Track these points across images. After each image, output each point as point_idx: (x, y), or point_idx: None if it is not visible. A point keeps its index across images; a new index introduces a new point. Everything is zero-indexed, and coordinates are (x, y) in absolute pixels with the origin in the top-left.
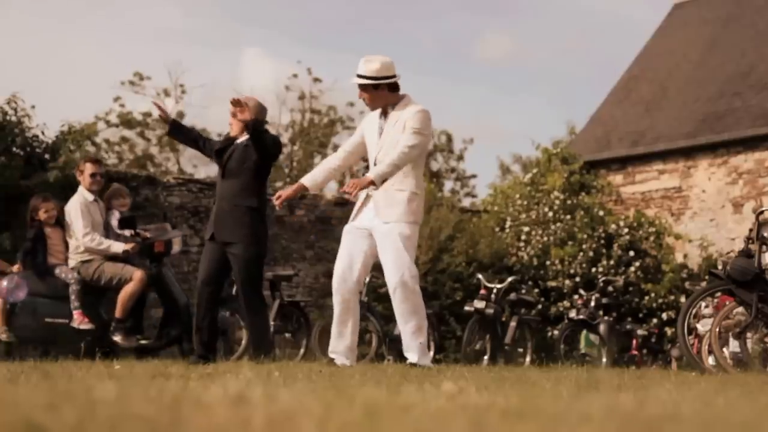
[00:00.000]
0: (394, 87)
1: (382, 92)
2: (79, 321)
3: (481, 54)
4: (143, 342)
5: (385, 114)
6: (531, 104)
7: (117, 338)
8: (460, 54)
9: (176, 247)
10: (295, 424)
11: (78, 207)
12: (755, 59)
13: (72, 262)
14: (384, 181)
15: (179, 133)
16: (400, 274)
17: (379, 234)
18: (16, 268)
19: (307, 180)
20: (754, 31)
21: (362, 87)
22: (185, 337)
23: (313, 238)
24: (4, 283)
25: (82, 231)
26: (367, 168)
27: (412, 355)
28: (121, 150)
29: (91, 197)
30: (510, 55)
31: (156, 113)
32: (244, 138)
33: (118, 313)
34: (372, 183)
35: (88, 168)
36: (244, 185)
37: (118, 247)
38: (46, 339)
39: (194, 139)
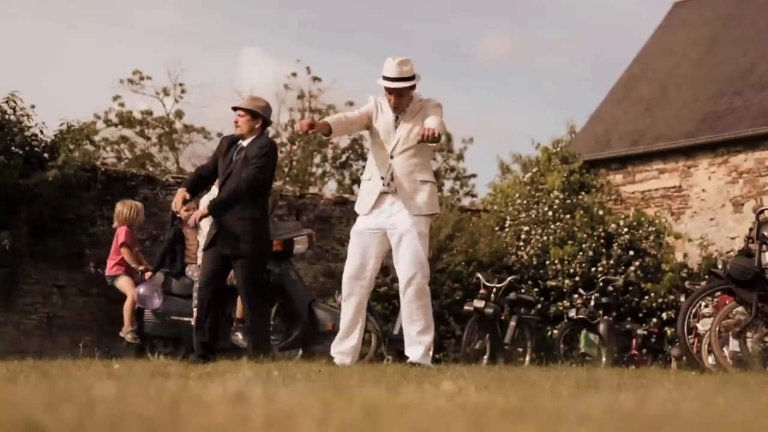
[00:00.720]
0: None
1: (413, 90)
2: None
3: (481, 54)
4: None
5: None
6: (531, 103)
7: (238, 338)
8: (460, 54)
9: (299, 247)
10: (294, 423)
11: None
12: (756, 58)
13: (200, 260)
14: (438, 135)
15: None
16: (414, 272)
17: (398, 230)
18: (148, 275)
19: (330, 121)
20: (755, 29)
21: (400, 91)
22: (306, 339)
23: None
24: (141, 290)
25: None
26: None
27: (413, 353)
28: (120, 149)
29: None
30: (510, 55)
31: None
32: (249, 140)
33: (239, 312)
34: (436, 134)
35: None
36: (247, 197)
37: None
38: (172, 336)
39: (205, 179)
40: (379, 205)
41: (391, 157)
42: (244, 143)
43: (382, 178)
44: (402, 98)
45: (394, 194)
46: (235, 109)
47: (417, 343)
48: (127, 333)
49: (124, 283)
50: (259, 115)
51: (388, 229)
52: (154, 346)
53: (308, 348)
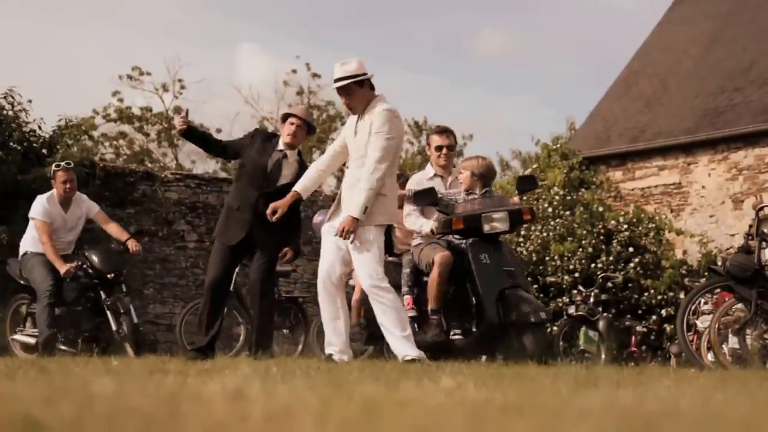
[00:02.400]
0: (372, 86)
1: (366, 90)
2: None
3: (480, 51)
4: (454, 337)
5: (361, 114)
6: (530, 100)
7: (430, 333)
8: (459, 51)
9: (496, 225)
10: (293, 419)
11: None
12: (756, 55)
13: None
14: (366, 209)
15: (191, 136)
16: (364, 279)
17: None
18: None
19: (299, 188)
20: (755, 26)
21: (345, 90)
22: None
23: (311, 234)
24: (317, 218)
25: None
26: (342, 171)
27: (400, 350)
28: (119, 145)
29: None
30: (509, 52)
31: (177, 121)
32: (292, 154)
33: (430, 303)
34: (356, 219)
35: None
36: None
37: (427, 226)
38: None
39: (204, 139)
40: (339, 210)
41: (347, 167)
42: (287, 151)
43: (339, 186)
44: (352, 97)
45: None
46: (288, 116)
47: (400, 339)
48: (353, 327)
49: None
50: (313, 130)
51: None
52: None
53: (495, 348)
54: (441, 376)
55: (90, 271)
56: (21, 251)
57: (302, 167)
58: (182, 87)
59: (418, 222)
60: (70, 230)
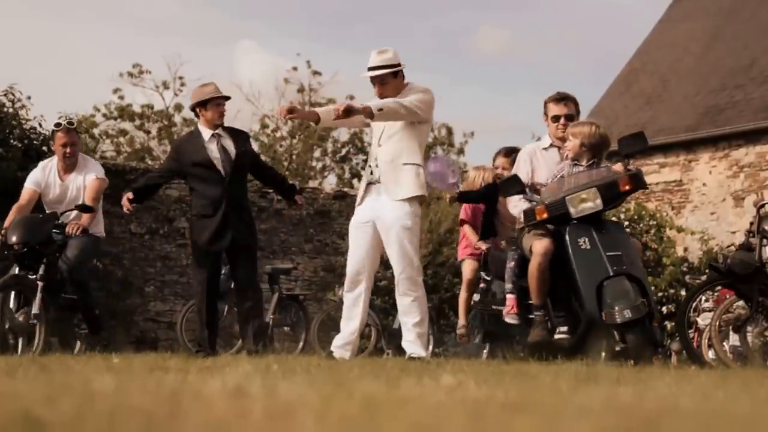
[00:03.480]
0: (403, 75)
1: (399, 81)
2: (507, 310)
3: (479, 49)
4: (560, 336)
5: None
6: (531, 97)
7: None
8: (459, 48)
9: (585, 207)
10: (294, 417)
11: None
12: (757, 52)
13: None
14: (380, 111)
15: (142, 198)
16: (402, 267)
17: (384, 224)
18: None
19: (320, 110)
20: (756, 23)
21: (380, 79)
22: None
23: (312, 231)
24: (432, 167)
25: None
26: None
27: (410, 346)
28: (119, 142)
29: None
30: (509, 49)
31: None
32: (222, 132)
33: (532, 297)
34: (369, 112)
35: None
36: (245, 189)
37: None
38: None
39: (154, 187)
40: (368, 196)
41: (379, 145)
42: (218, 131)
43: (370, 166)
44: (385, 87)
45: (379, 183)
46: (209, 101)
47: (413, 336)
48: (460, 328)
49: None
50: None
51: (376, 221)
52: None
53: (601, 347)
54: (442, 374)
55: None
56: None
57: (236, 132)
58: (182, 84)
59: (519, 206)
60: (71, 203)
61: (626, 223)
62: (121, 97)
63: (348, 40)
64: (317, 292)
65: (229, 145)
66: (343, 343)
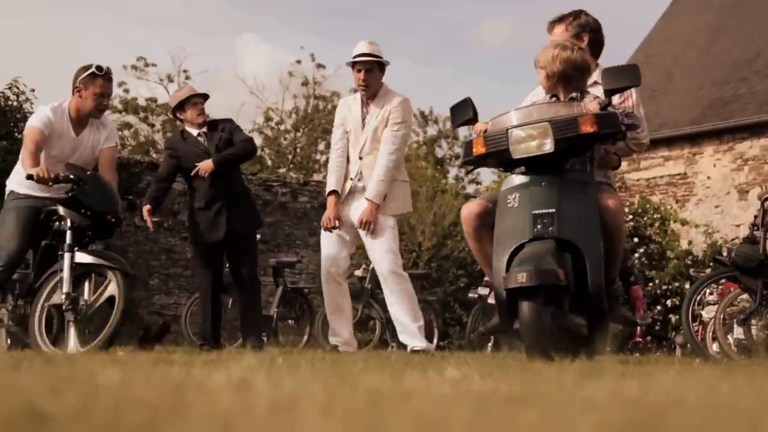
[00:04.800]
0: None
1: (381, 75)
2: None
3: (482, 41)
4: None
5: (365, 103)
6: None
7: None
8: (461, 42)
9: (530, 146)
10: (298, 410)
11: None
12: (761, 45)
13: None
14: (384, 196)
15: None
16: (383, 263)
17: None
18: None
19: (336, 188)
20: (760, 16)
21: (370, 66)
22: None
23: (316, 224)
24: None
25: None
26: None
27: (411, 340)
28: (124, 136)
29: None
30: (511, 42)
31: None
32: (208, 132)
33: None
34: (376, 206)
35: None
36: (237, 177)
37: None
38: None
39: (169, 187)
40: (349, 201)
41: (360, 158)
42: (201, 130)
43: (351, 179)
44: (370, 75)
45: (362, 192)
46: (189, 99)
47: (414, 328)
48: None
49: None
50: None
51: (355, 223)
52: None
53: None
54: (446, 367)
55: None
56: (6, 192)
57: (221, 123)
58: (187, 78)
59: None
60: (81, 162)
61: (630, 216)
62: (126, 91)
63: (351, 34)
64: (321, 285)
65: (215, 137)
66: (342, 338)
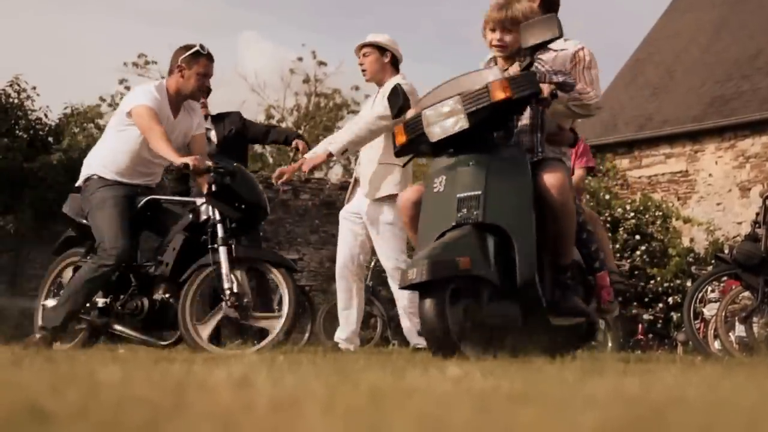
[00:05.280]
0: (397, 65)
1: (386, 64)
2: None
3: (482, 38)
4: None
5: (377, 91)
6: None
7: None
8: (461, 39)
9: (445, 126)
10: (299, 408)
11: None
12: (763, 42)
13: None
14: (344, 152)
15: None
16: (389, 262)
17: (368, 220)
18: None
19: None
20: (762, 13)
21: (367, 49)
22: None
23: (318, 222)
24: None
25: None
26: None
27: (415, 337)
28: None
29: None
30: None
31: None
32: (210, 128)
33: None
34: (326, 155)
35: None
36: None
37: None
38: None
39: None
40: (354, 192)
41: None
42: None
43: (355, 167)
44: (366, 59)
45: (361, 180)
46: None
47: (415, 326)
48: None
49: None
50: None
51: (362, 216)
52: None
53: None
54: (447, 365)
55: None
56: (82, 176)
57: (224, 117)
58: None
59: None
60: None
61: (632, 213)
62: (127, 88)
63: (352, 31)
64: (323, 283)
65: (218, 131)
66: (347, 336)
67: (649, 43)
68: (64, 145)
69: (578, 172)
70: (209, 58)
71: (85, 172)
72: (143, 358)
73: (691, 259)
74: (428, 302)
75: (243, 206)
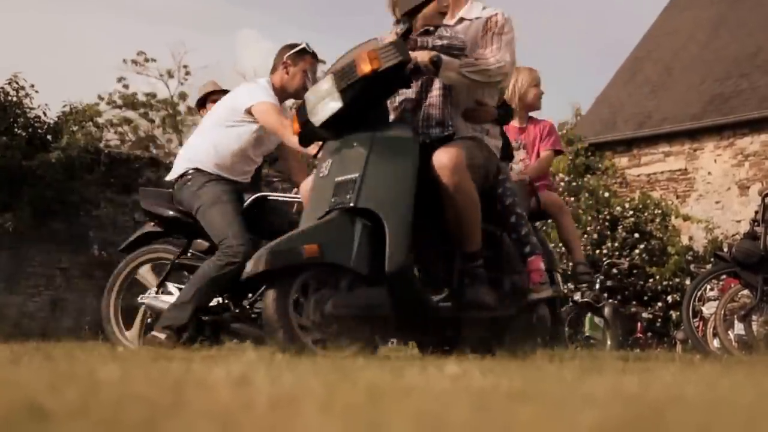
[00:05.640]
0: None
1: None
2: None
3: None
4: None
5: None
6: None
7: None
8: None
9: (327, 107)
10: (298, 406)
11: None
12: (762, 40)
13: None
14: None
15: None
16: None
17: None
18: None
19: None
20: (761, 11)
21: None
22: None
23: None
24: None
25: None
26: None
27: None
28: (123, 131)
29: None
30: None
31: None
32: None
33: None
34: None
35: None
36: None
37: None
38: None
39: None
40: None
41: None
42: None
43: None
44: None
45: None
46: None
47: None
48: None
49: None
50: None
51: None
52: None
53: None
54: (446, 363)
55: None
56: (177, 171)
57: None
58: (187, 73)
59: None
60: (265, 153)
61: (631, 212)
62: (126, 86)
63: (350, 30)
64: None
65: None
66: None
67: (648, 41)
68: (63, 143)
69: (544, 155)
70: (314, 56)
71: (183, 165)
72: (142, 356)
73: (690, 258)
74: (269, 294)
75: None
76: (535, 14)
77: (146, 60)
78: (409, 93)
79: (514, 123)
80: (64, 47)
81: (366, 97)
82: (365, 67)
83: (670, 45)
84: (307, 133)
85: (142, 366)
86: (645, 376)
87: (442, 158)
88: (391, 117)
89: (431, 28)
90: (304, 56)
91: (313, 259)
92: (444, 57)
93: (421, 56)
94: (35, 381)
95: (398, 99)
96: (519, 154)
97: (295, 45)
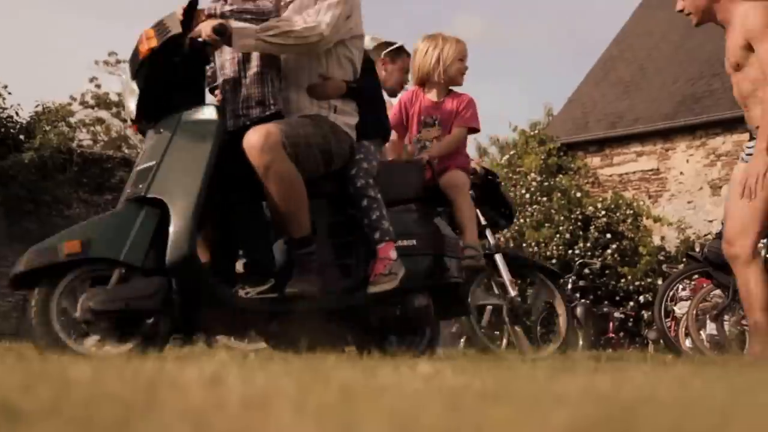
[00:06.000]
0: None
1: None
2: None
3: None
4: None
5: None
6: (508, 86)
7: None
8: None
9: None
10: (270, 406)
11: None
12: None
13: None
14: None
15: None
16: None
17: None
18: None
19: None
20: None
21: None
22: None
23: None
24: None
25: None
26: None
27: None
28: (96, 131)
29: None
30: (482, 36)
31: None
32: None
33: None
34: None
35: None
36: None
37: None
38: None
39: None
40: None
41: None
42: None
43: None
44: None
45: None
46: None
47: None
48: None
49: None
50: None
51: None
52: None
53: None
54: (418, 363)
55: None
56: None
57: None
58: None
59: None
60: None
61: (603, 212)
62: (98, 86)
63: None
64: None
65: None
66: None
67: (620, 41)
68: (36, 143)
69: (455, 131)
70: (410, 56)
71: None
72: (115, 355)
73: (661, 258)
74: (32, 295)
75: (508, 212)
76: (506, 15)
77: (117, 61)
78: (228, 72)
79: (431, 96)
80: (36, 47)
81: (166, 78)
82: (142, 48)
83: (642, 45)
84: (144, 129)
85: (115, 366)
86: (617, 375)
87: (251, 138)
88: (216, 100)
89: None
90: (401, 55)
91: (73, 256)
92: (236, 24)
93: (204, 26)
94: (8, 381)
95: (220, 79)
96: (432, 131)
97: (392, 43)
